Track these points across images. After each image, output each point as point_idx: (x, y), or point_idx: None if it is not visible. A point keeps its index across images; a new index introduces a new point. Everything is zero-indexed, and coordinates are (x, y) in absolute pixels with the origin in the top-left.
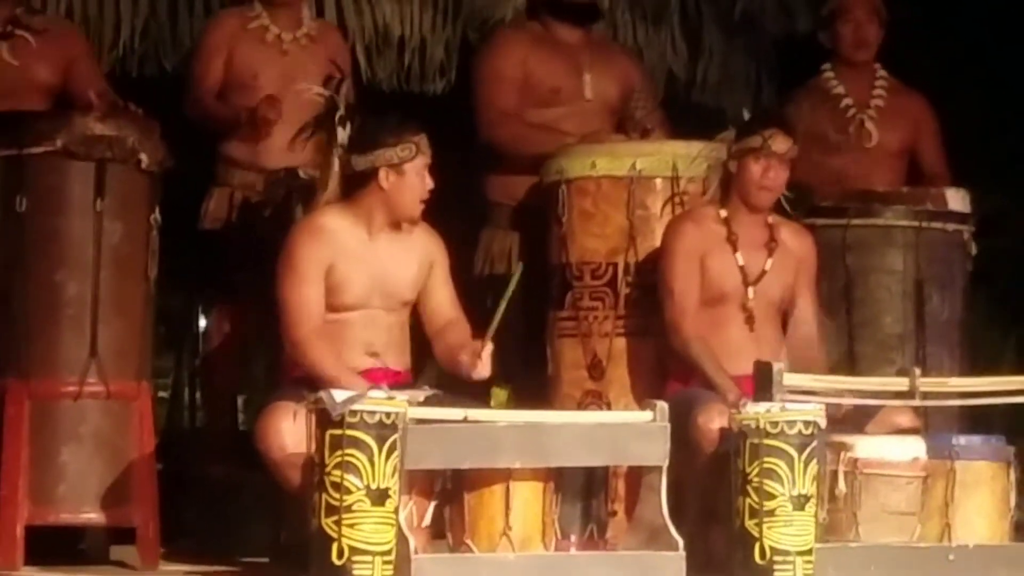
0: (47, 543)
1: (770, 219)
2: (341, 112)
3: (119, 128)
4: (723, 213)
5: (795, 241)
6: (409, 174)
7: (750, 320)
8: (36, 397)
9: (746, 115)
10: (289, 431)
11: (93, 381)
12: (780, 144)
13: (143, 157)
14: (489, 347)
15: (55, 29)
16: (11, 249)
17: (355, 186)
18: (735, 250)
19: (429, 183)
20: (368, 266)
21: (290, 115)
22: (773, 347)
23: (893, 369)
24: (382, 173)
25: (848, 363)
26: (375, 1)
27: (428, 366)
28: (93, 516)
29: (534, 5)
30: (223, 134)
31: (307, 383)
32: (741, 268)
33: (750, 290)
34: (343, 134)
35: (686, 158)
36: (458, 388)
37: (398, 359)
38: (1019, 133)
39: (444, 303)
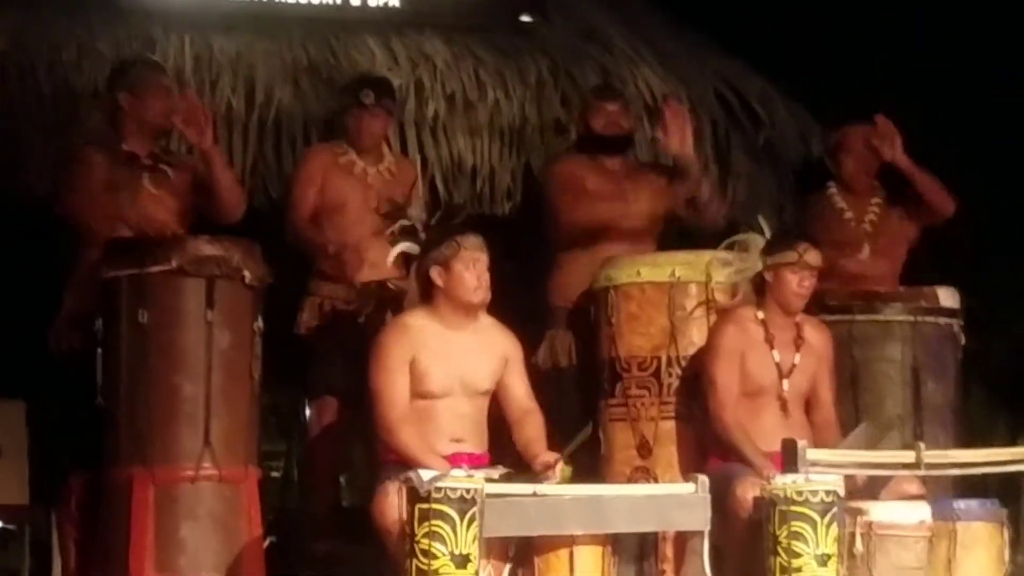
0: None
1: (797, 317)
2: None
3: (225, 249)
4: (760, 315)
5: (816, 336)
6: (456, 269)
7: (784, 408)
8: (159, 482)
9: (762, 221)
10: (398, 506)
11: (207, 467)
12: (813, 258)
13: (247, 274)
14: (560, 464)
15: (189, 163)
16: (135, 356)
17: (425, 288)
18: (772, 348)
19: (480, 274)
20: (448, 359)
21: (371, 235)
22: (802, 429)
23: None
24: (433, 272)
25: None
26: (451, 136)
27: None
28: None
29: (579, 141)
30: (314, 254)
31: (404, 465)
32: (777, 364)
33: (785, 382)
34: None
35: (718, 266)
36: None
37: (478, 443)
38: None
39: (520, 394)
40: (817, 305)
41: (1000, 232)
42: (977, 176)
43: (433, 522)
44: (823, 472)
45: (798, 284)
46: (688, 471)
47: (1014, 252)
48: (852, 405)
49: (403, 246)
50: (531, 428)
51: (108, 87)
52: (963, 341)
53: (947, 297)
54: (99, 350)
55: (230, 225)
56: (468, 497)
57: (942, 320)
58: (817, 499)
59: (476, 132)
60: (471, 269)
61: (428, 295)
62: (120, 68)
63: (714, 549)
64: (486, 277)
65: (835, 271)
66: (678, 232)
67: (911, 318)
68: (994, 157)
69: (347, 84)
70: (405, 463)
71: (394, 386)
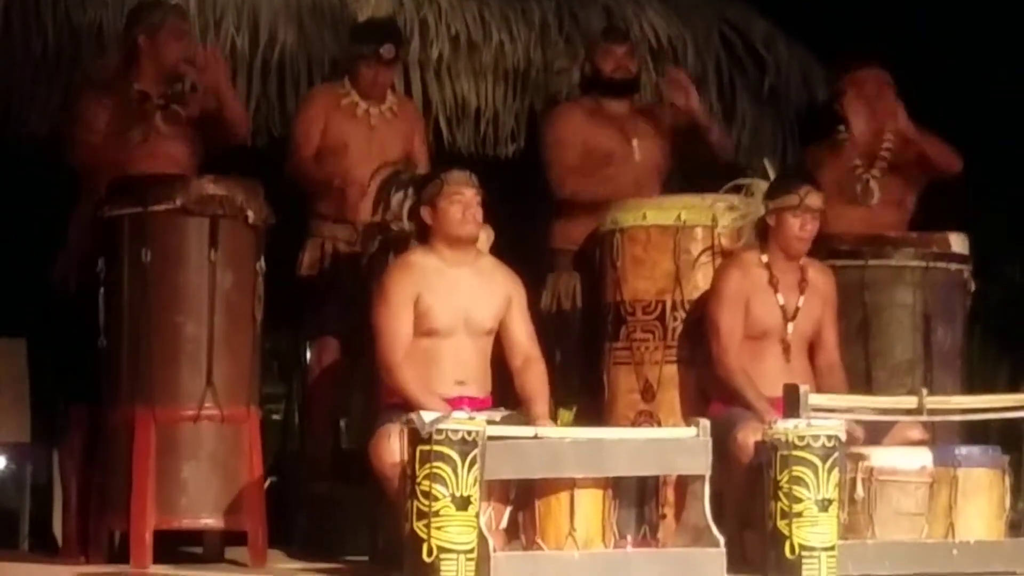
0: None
1: (801, 261)
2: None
3: (229, 188)
4: (764, 258)
5: (821, 279)
6: (441, 205)
7: (787, 351)
8: (161, 422)
9: (768, 165)
10: (396, 450)
11: (209, 407)
12: (815, 200)
13: (250, 214)
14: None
15: (197, 101)
16: (138, 295)
17: (420, 231)
18: (776, 291)
19: (466, 207)
20: (452, 296)
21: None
22: (804, 373)
23: (904, 391)
24: (423, 211)
25: (865, 387)
26: (455, 78)
27: None
28: (210, 521)
29: (586, 83)
30: (317, 193)
31: (403, 408)
32: (781, 307)
33: (789, 325)
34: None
35: (723, 210)
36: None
37: (481, 387)
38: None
39: (522, 337)
40: (828, 250)
41: (991, 173)
42: (969, 116)
43: (434, 464)
44: (825, 417)
45: (800, 228)
46: (691, 415)
47: (1004, 192)
48: (863, 350)
49: (398, 198)
50: (532, 379)
51: (127, 25)
52: (972, 287)
53: (958, 243)
54: (101, 289)
55: (236, 158)
56: (469, 439)
57: (952, 266)
58: (818, 444)
59: (480, 74)
60: (456, 204)
61: (424, 237)
62: (140, 7)
63: (715, 494)
64: (473, 211)
65: (844, 218)
66: (682, 177)
67: (922, 263)
68: (986, 96)
69: (361, 32)
70: (404, 404)
71: (397, 324)
